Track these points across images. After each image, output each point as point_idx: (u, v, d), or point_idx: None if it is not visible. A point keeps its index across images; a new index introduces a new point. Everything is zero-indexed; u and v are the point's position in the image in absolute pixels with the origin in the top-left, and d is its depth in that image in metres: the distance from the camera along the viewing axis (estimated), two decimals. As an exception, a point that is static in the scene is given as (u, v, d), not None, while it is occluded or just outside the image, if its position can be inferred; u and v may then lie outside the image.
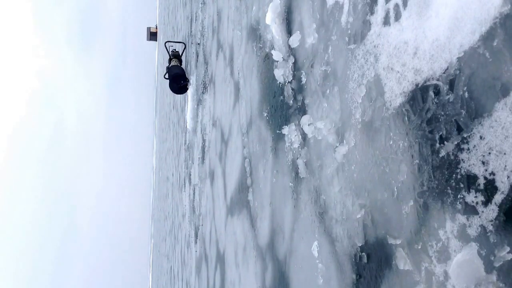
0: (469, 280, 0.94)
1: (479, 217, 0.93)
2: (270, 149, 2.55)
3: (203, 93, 5.72)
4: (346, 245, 1.56)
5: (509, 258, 0.85)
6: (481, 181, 0.92)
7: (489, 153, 0.90)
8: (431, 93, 1.09)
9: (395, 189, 1.26)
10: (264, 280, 2.60)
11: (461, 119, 0.98)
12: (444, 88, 1.04)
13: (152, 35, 30.98)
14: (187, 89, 7.14)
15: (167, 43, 8.65)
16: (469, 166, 0.96)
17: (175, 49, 8.50)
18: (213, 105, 4.84)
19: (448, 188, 1.03)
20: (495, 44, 0.89)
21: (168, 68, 7.60)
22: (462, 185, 0.98)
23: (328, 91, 1.77)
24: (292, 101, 2.18)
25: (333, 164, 1.68)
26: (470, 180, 0.95)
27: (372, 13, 1.41)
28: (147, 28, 31.55)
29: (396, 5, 1.25)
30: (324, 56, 1.81)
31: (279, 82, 2.37)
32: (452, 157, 1.01)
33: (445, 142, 1.04)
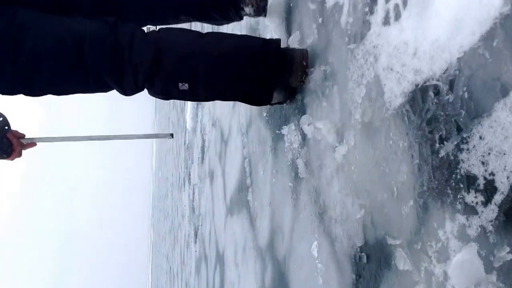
0: (468, 280, 0.94)
1: (479, 217, 0.93)
2: (269, 149, 2.55)
3: (202, 93, 5.71)
4: (346, 246, 1.56)
5: (509, 259, 0.85)
6: (481, 181, 0.92)
7: (489, 154, 0.90)
8: (431, 93, 1.09)
9: (395, 189, 1.26)
10: (263, 280, 2.60)
11: (461, 119, 0.98)
12: (444, 88, 1.04)
13: (152, 35, 30.92)
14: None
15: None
16: (468, 166, 0.96)
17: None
18: (213, 105, 4.84)
19: (448, 188, 1.03)
20: (495, 44, 0.89)
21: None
22: (462, 185, 0.98)
23: (327, 91, 1.77)
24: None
25: (333, 164, 1.68)
26: (470, 180, 0.95)
27: (372, 13, 1.41)
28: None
29: (396, 5, 1.25)
30: (323, 56, 1.81)
31: (279, 82, 2.37)
32: (451, 157, 1.01)
33: (445, 142, 1.04)
